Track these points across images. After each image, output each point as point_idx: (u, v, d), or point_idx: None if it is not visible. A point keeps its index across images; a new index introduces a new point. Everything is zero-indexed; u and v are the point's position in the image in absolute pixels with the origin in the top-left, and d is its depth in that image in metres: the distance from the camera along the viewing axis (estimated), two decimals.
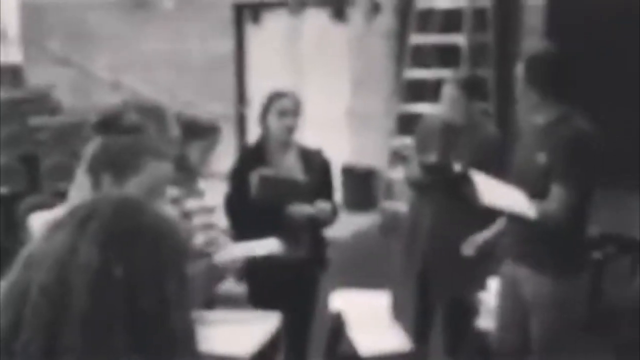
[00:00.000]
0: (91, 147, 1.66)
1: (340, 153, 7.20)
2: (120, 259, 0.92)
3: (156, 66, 8.97)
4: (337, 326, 3.59)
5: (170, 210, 2.41)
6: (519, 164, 2.94)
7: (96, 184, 1.62)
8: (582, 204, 2.79)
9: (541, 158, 2.76)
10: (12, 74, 11.24)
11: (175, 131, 2.24)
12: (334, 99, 7.40)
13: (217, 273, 2.27)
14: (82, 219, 0.95)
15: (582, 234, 2.94)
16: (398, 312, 3.65)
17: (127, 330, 0.90)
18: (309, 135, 7.86)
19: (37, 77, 10.68)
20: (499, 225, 3.21)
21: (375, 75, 6.98)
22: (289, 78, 7.71)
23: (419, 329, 3.90)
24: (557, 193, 2.71)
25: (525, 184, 2.81)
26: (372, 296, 3.80)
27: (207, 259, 2.39)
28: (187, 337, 0.97)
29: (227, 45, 8.27)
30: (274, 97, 3.14)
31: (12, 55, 11.25)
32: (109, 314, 0.90)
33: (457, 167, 3.06)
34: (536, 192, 2.75)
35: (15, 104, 8.72)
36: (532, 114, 2.87)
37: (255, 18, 8.10)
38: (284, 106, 3.10)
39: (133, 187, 1.61)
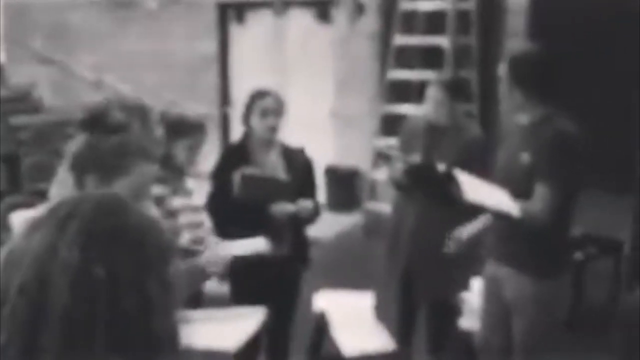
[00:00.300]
0: (75, 145, 1.64)
1: (324, 153, 7.20)
2: (101, 259, 0.91)
3: (139, 66, 8.94)
4: (320, 326, 3.60)
5: (154, 210, 2.39)
6: (503, 164, 2.94)
7: (79, 182, 1.61)
8: (565, 205, 2.79)
9: (525, 158, 2.76)
10: None
11: (158, 130, 2.24)
12: (317, 100, 7.40)
13: (202, 273, 2.25)
14: (62, 217, 0.94)
15: (565, 235, 2.95)
16: (381, 312, 3.65)
17: (107, 331, 0.89)
18: (292, 136, 7.88)
19: (19, 76, 10.61)
20: (482, 220, 3.20)
21: (359, 76, 6.99)
22: (273, 78, 7.71)
23: (402, 330, 3.92)
24: (541, 193, 2.72)
25: (509, 184, 2.81)
26: (355, 297, 3.80)
27: (191, 259, 2.37)
28: (170, 338, 0.96)
29: (211, 45, 8.26)
30: (257, 97, 3.16)
31: None
32: (89, 314, 0.89)
33: (440, 167, 3.05)
34: (520, 193, 2.75)
35: None
36: (517, 114, 2.88)
37: (240, 18, 8.09)
38: (266, 105, 3.11)
39: (119, 187, 1.60)
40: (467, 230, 3.27)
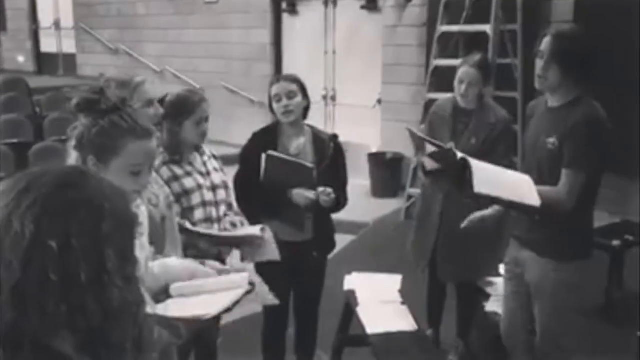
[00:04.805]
0: (77, 129, 1.73)
1: (372, 139, 7.31)
2: (56, 232, 0.91)
3: (198, 55, 9.23)
4: (350, 306, 3.66)
5: (156, 188, 2.46)
6: (529, 147, 2.90)
7: (84, 164, 1.69)
8: (590, 189, 2.73)
9: (552, 142, 2.71)
10: (66, 63, 11.75)
11: (157, 108, 2.35)
12: (365, 87, 7.48)
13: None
14: (20, 190, 0.94)
15: (588, 219, 2.89)
16: (408, 293, 3.65)
17: (60, 303, 0.89)
18: (341, 123, 8.02)
19: (89, 66, 11.12)
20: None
21: (406, 64, 7.00)
22: (323, 66, 7.86)
23: (431, 311, 4.00)
24: (567, 179, 2.67)
25: (536, 167, 2.80)
26: (385, 279, 3.85)
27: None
28: (127, 309, 0.95)
29: (265, 35, 8.46)
30: (272, 83, 3.19)
31: (67, 45, 11.74)
32: (40, 286, 0.89)
33: (459, 154, 2.98)
34: (546, 176, 2.73)
35: (68, 91, 9.12)
36: (550, 95, 2.79)
37: (292, 9, 8.24)
38: (277, 91, 3.14)
39: (115, 167, 1.67)
40: (483, 213, 3.12)
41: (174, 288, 1.66)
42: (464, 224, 3.15)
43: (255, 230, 2.68)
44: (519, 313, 3.04)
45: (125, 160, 1.68)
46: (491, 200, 2.79)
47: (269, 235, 2.68)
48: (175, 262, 1.83)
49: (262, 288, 1.76)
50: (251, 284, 1.64)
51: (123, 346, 0.96)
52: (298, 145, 3.20)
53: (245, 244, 2.61)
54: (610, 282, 4.40)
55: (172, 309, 1.56)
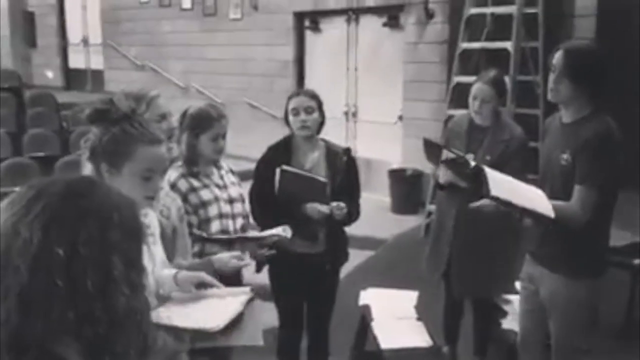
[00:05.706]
0: (89, 140, 1.77)
1: (391, 156, 7.30)
2: (64, 240, 0.93)
3: (222, 71, 9.33)
4: (365, 321, 3.68)
5: (170, 194, 2.52)
6: (544, 163, 2.89)
7: (97, 172, 1.74)
8: (603, 207, 2.69)
9: (565, 157, 2.70)
10: (94, 79, 11.96)
11: (171, 121, 2.40)
12: (386, 104, 7.50)
13: (212, 269, 2.26)
14: (29, 199, 0.97)
15: (603, 236, 2.85)
16: (425, 310, 3.68)
17: (67, 307, 0.91)
18: (362, 139, 8.00)
19: (116, 82, 11.30)
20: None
21: (427, 80, 7.01)
22: (345, 82, 7.90)
23: (447, 327, 3.97)
24: (580, 195, 2.66)
25: (549, 183, 2.78)
26: (400, 294, 3.86)
27: (206, 258, 2.45)
28: (132, 316, 0.97)
29: (288, 51, 8.54)
30: (290, 97, 3.23)
31: (95, 61, 11.96)
32: (46, 292, 0.91)
33: (472, 162, 2.91)
34: (559, 191, 2.71)
35: (83, 105, 9.25)
36: (564, 110, 2.77)
37: (315, 26, 8.32)
38: (295, 104, 3.17)
39: (127, 172, 1.72)
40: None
41: (175, 294, 1.69)
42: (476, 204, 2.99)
43: (278, 230, 2.72)
44: (534, 331, 3.01)
45: (137, 165, 1.73)
46: (506, 206, 2.73)
47: (289, 234, 2.73)
48: (183, 275, 1.85)
49: (257, 325, 1.76)
50: (252, 290, 1.65)
51: (127, 353, 0.97)
52: (312, 160, 3.23)
53: (261, 246, 2.63)
54: (630, 301, 4.34)
55: (177, 316, 1.58)
